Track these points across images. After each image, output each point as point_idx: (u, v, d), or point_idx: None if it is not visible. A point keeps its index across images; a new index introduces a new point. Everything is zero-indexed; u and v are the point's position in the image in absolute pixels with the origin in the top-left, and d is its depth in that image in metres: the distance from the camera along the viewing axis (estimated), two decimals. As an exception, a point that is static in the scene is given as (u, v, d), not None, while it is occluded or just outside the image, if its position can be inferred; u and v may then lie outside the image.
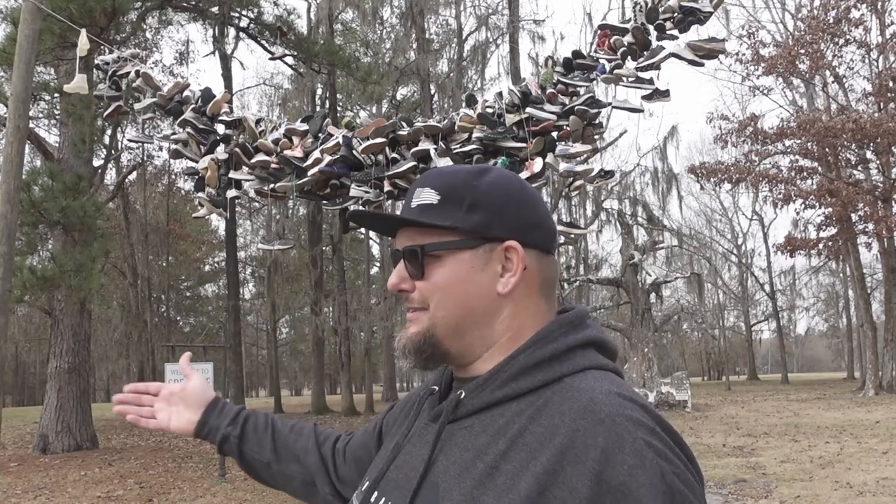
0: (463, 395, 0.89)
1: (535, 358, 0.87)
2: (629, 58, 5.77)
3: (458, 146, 5.82)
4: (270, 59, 14.90)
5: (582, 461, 0.75)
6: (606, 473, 0.74)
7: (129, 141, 10.50)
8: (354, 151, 6.15)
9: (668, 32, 5.71)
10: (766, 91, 24.24)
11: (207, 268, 34.08)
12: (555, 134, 5.83)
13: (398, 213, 1.00)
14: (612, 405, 0.79)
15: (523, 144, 5.73)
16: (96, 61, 7.04)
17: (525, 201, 0.93)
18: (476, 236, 0.91)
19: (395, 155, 6.08)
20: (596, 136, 6.02)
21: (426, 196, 0.93)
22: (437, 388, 0.99)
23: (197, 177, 6.69)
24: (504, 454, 0.81)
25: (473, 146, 5.75)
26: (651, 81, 5.80)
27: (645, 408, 0.80)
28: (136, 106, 6.80)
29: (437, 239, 0.92)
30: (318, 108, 20.50)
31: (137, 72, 6.67)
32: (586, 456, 0.75)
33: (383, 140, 5.95)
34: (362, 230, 20.58)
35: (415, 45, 19.27)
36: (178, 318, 33.02)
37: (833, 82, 23.66)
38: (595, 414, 0.78)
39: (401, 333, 0.95)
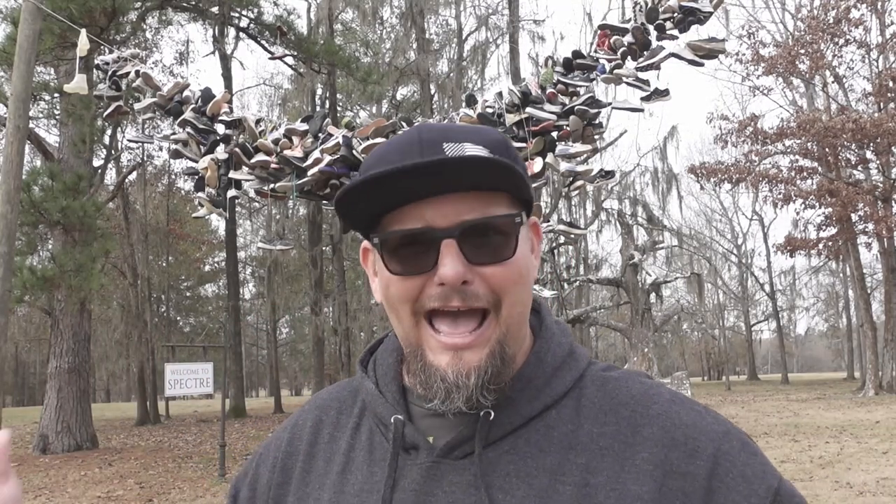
0: (493, 414, 0.73)
1: (559, 356, 0.78)
2: (629, 58, 5.77)
3: (458, 146, 5.82)
4: (270, 59, 14.90)
5: (683, 443, 0.71)
6: (711, 444, 0.71)
7: (129, 141, 10.55)
8: (354, 151, 6.15)
9: (668, 32, 5.72)
10: (766, 91, 24.25)
11: (207, 268, 34.08)
12: (555, 134, 5.84)
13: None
14: (661, 386, 0.76)
15: (523, 144, 5.73)
16: (96, 61, 7.04)
17: None
18: (525, 207, 0.75)
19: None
20: (596, 136, 6.02)
21: (474, 151, 0.71)
22: (400, 416, 0.77)
23: (197, 177, 6.70)
24: (588, 467, 0.70)
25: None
26: (647, 82, 5.80)
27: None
28: (136, 106, 6.81)
29: (504, 210, 0.72)
30: (318, 108, 20.50)
31: (137, 72, 6.67)
32: (686, 436, 0.71)
33: (383, 140, 5.95)
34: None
35: (415, 45, 19.26)
36: (178, 318, 33.03)
37: (833, 82, 23.66)
38: (662, 395, 0.75)
39: (449, 363, 0.71)
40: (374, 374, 0.84)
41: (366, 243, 0.79)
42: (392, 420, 0.76)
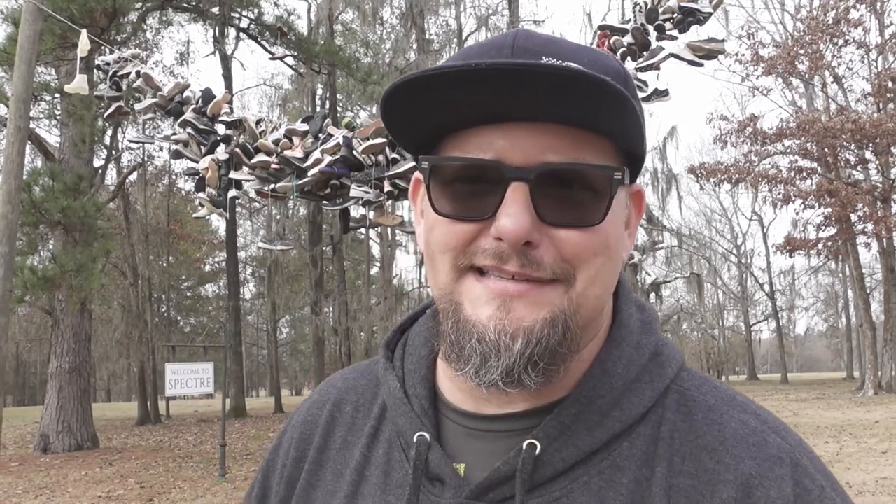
0: (539, 447, 0.55)
1: (637, 365, 0.59)
2: (629, 58, 5.79)
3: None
4: (271, 59, 14.91)
5: None
6: None
7: (130, 141, 10.57)
8: (354, 152, 6.16)
9: (667, 33, 5.74)
10: (765, 91, 24.26)
11: (208, 268, 34.09)
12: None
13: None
14: (775, 432, 0.57)
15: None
16: (97, 62, 7.07)
17: None
18: (632, 166, 0.58)
19: (395, 155, 6.10)
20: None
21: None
22: (426, 434, 0.60)
23: (197, 177, 6.72)
24: None
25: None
26: (646, 84, 5.82)
27: (794, 434, 0.59)
28: (137, 106, 6.83)
29: (603, 160, 0.54)
30: (318, 109, 20.51)
31: (138, 72, 6.69)
32: None
33: (383, 140, 5.97)
34: (362, 230, 20.55)
35: (415, 46, 19.28)
36: (179, 318, 33.04)
37: (832, 83, 23.68)
38: (763, 448, 0.55)
39: (492, 315, 0.53)
40: (401, 366, 0.67)
41: (418, 174, 0.62)
42: (416, 438, 0.60)
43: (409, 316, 0.72)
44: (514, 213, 0.52)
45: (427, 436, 0.59)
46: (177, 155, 6.82)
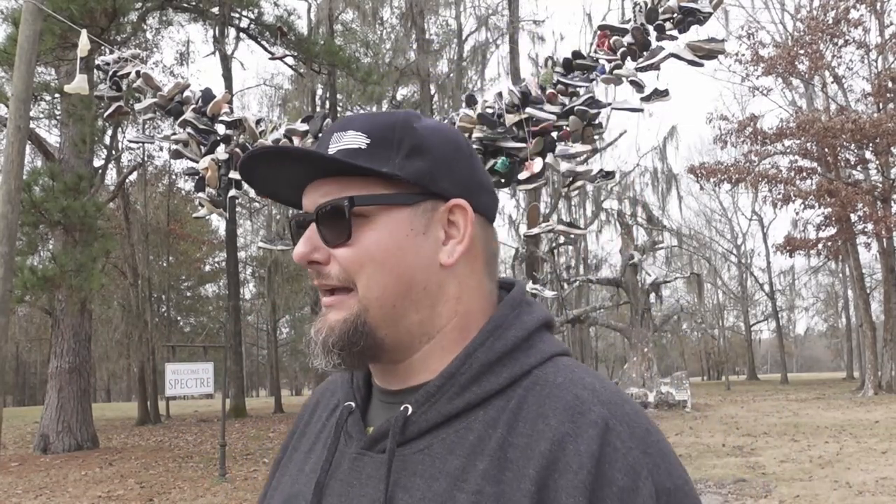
0: (410, 410, 0.71)
1: (496, 351, 0.72)
2: (629, 58, 5.79)
3: (458, 146, 5.83)
4: (270, 59, 14.93)
5: (573, 471, 0.63)
6: (598, 491, 0.63)
7: (130, 141, 10.56)
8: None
9: (667, 33, 5.73)
10: (765, 91, 24.26)
11: (208, 268, 34.09)
12: (555, 134, 5.85)
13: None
14: (601, 403, 0.67)
15: (523, 144, 5.74)
16: (97, 62, 7.06)
17: (473, 156, 0.77)
18: (417, 189, 0.72)
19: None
20: (596, 137, 6.03)
21: (350, 139, 0.72)
22: (353, 403, 0.78)
23: (197, 177, 6.71)
24: (487, 475, 0.66)
25: (473, 146, 5.77)
26: (644, 85, 5.82)
27: (632, 404, 0.70)
28: (137, 106, 6.82)
29: (365, 192, 0.71)
30: (318, 109, 20.52)
31: (138, 72, 6.69)
32: (578, 465, 0.63)
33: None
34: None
35: (415, 46, 19.28)
36: (179, 318, 33.03)
37: (832, 83, 23.69)
38: (585, 416, 0.66)
39: (316, 324, 0.73)
40: None
41: None
42: (344, 406, 0.78)
43: None
44: (300, 242, 0.73)
45: (353, 404, 0.77)
46: (177, 155, 6.82)
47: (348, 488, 0.72)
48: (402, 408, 0.71)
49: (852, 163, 23.62)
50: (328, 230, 0.71)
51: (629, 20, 5.90)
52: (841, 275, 38.59)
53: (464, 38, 21.59)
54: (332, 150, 0.71)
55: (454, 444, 0.69)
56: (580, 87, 5.86)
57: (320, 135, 0.78)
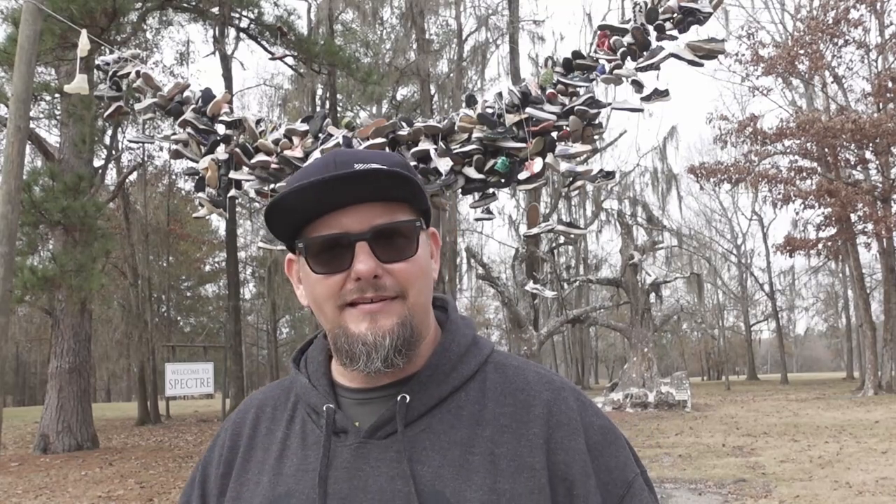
0: (409, 398, 0.84)
1: (463, 346, 0.89)
2: (629, 58, 5.78)
3: (457, 146, 5.83)
4: (270, 59, 14.93)
5: (566, 423, 0.84)
6: (588, 430, 0.85)
7: (130, 141, 10.55)
8: (355, 152, 6.15)
9: (667, 33, 5.73)
10: (765, 91, 24.24)
11: (208, 268, 34.08)
12: (554, 134, 5.84)
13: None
14: (554, 375, 0.90)
15: (523, 144, 5.74)
16: (97, 62, 7.05)
17: None
18: (425, 217, 0.89)
19: (395, 155, 6.09)
20: (596, 137, 6.03)
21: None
22: (332, 405, 0.87)
23: (197, 177, 6.71)
24: (493, 439, 0.82)
25: (473, 146, 5.76)
26: (643, 85, 5.81)
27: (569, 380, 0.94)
28: (137, 106, 6.82)
29: (406, 217, 0.85)
30: (318, 109, 20.51)
31: (138, 72, 6.69)
32: (568, 418, 0.85)
33: (383, 140, 5.96)
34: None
35: (415, 46, 19.28)
36: (179, 318, 33.01)
37: (832, 83, 23.67)
38: (552, 384, 0.88)
39: (367, 327, 0.81)
40: (305, 370, 0.95)
41: (290, 255, 0.91)
42: (324, 408, 0.87)
43: (307, 341, 1.03)
44: (363, 260, 0.80)
45: (332, 406, 0.87)
46: (176, 155, 6.81)
47: (356, 473, 0.82)
48: (399, 397, 0.84)
49: (852, 163, 23.61)
50: (386, 247, 0.82)
51: (629, 20, 5.89)
52: (841, 275, 38.59)
53: (464, 38, 21.59)
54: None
55: (453, 420, 0.84)
56: (580, 87, 5.85)
57: (335, 166, 0.85)
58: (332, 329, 0.85)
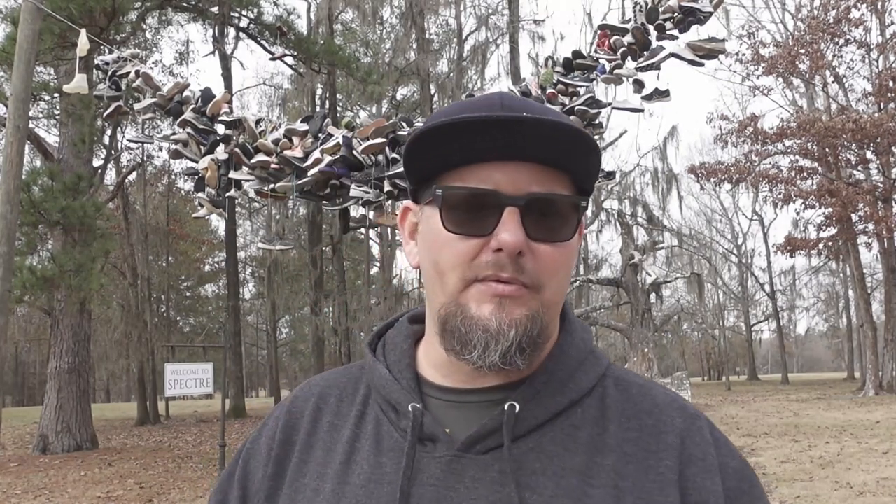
0: (518, 407, 0.69)
1: (583, 352, 0.75)
2: (629, 58, 5.77)
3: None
4: (270, 59, 14.89)
5: (701, 458, 0.71)
6: (724, 471, 0.72)
7: (129, 141, 10.54)
8: (354, 152, 6.15)
9: (668, 32, 5.72)
10: (766, 91, 24.23)
11: (207, 268, 34.06)
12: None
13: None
14: (684, 400, 0.76)
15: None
16: (96, 61, 7.05)
17: None
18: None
19: (395, 155, 6.08)
20: (596, 136, 6.02)
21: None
22: (418, 405, 0.72)
23: (197, 177, 6.70)
24: (616, 470, 0.68)
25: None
26: (643, 84, 5.81)
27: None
28: (136, 106, 6.81)
29: (569, 192, 0.70)
30: (318, 109, 20.50)
31: (137, 72, 6.68)
32: (704, 452, 0.71)
33: (383, 140, 5.95)
34: (362, 230, 20.56)
35: (415, 46, 19.25)
36: (178, 318, 32.99)
37: (833, 82, 23.66)
38: (685, 410, 0.74)
39: (493, 311, 0.67)
40: (384, 358, 0.79)
41: (408, 202, 0.76)
42: (410, 408, 0.71)
43: (385, 324, 0.86)
44: (511, 229, 0.65)
45: (420, 405, 0.72)
46: (176, 155, 6.80)
47: (447, 494, 0.67)
48: (507, 405, 0.69)
49: (853, 162, 23.59)
50: (538, 223, 0.67)
51: (629, 20, 5.88)
52: (842, 275, 38.58)
53: (464, 37, 21.57)
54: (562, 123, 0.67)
55: (568, 441, 0.69)
56: (580, 86, 5.84)
57: (501, 108, 0.69)
58: (445, 304, 0.69)
